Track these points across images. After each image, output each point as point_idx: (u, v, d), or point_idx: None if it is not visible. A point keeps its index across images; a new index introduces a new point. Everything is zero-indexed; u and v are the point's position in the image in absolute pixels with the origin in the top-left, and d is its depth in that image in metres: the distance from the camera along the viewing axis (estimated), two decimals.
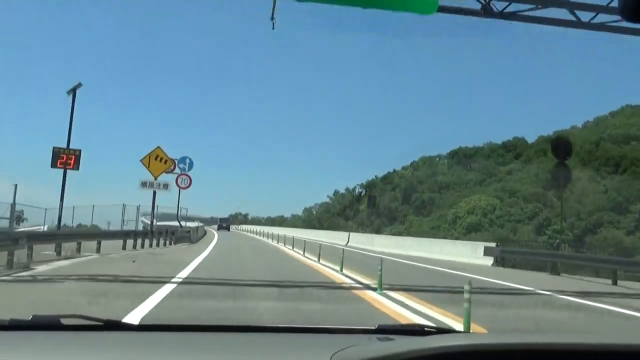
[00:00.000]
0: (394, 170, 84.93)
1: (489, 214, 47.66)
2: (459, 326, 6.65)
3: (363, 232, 56.95)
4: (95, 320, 1.95)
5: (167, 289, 9.49)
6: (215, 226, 69.58)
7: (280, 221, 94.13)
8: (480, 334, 3.53)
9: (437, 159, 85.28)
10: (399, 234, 55.50)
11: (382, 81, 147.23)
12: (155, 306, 7.53)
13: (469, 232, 47.01)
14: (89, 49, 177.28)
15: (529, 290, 13.12)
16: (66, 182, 19.06)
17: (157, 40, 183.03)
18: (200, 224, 52.80)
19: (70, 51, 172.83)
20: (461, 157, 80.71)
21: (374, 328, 2.06)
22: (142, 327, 2.13)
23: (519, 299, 11.68)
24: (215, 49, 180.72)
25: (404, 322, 6.66)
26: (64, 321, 1.93)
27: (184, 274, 12.50)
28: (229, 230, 68.60)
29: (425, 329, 2.17)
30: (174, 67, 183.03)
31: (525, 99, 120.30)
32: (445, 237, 49.43)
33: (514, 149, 77.96)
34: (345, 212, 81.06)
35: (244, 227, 75.73)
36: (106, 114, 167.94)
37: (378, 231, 74.15)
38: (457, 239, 45.53)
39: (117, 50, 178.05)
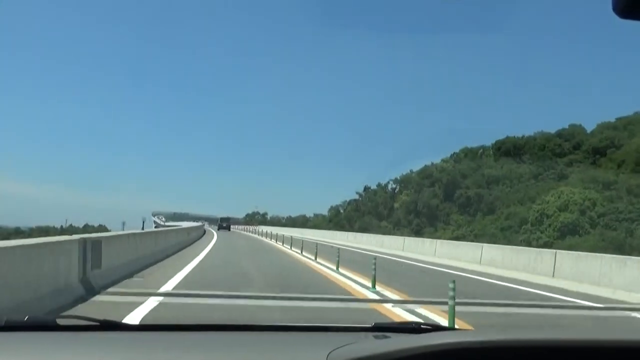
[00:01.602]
0: (432, 164, 75.19)
1: (587, 211, 37.80)
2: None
3: (405, 235, 47.21)
4: (92, 320, 1.90)
5: None
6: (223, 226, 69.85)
7: (302, 221, 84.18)
8: (475, 331, 2.90)
9: (481, 150, 75.74)
10: (462, 237, 45.40)
11: (416, 70, 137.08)
12: None
13: (564, 236, 37.02)
14: None
15: None
16: None
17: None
18: (199, 224, 47.30)
19: None
20: (509, 148, 71.83)
21: (370, 326, 2.01)
22: (139, 327, 2.10)
23: None
24: (250, 46, 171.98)
25: None
26: (60, 321, 1.88)
27: None
28: (229, 230, 67.52)
29: (422, 326, 2.11)
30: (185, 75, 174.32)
31: (577, 84, 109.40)
32: (529, 241, 39.51)
33: (571, 138, 69.16)
34: (378, 210, 71.24)
35: (263, 228, 64.47)
36: None
37: (418, 233, 64.38)
38: (550, 244, 35.57)
39: None
